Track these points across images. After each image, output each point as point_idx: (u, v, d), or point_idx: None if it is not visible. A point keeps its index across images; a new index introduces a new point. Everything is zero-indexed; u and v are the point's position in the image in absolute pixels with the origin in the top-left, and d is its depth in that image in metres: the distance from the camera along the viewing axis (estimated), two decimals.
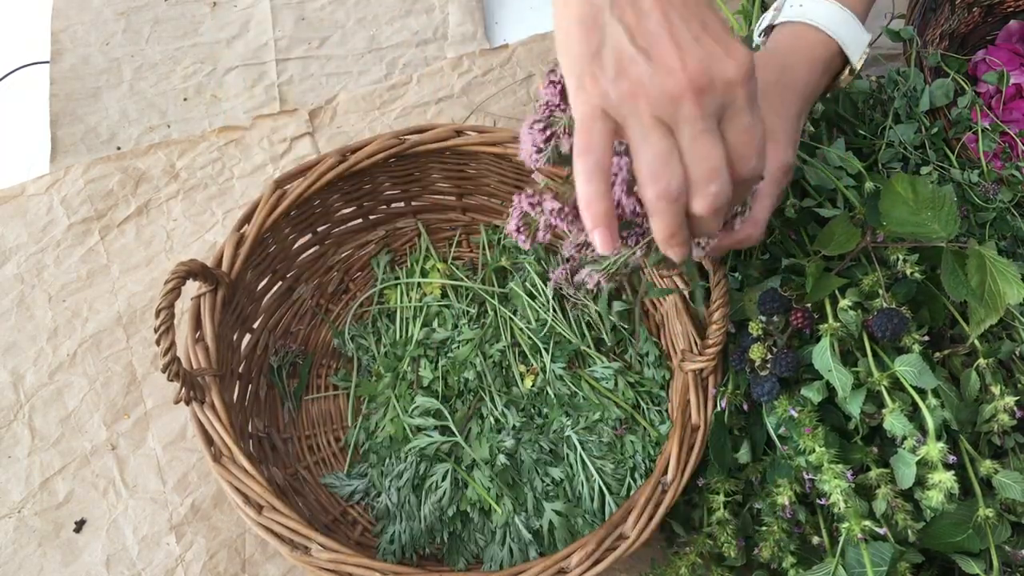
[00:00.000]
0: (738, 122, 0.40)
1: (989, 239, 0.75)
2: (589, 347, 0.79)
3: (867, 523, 0.57)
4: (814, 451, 0.58)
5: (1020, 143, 0.90)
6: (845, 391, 0.59)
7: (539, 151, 0.47)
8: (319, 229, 0.80)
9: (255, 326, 0.77)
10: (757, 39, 0.66)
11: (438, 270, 0.83)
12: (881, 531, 0.57)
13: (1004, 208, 0.77)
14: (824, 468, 0.58)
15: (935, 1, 0.94)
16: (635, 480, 0.74)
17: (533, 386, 0.77)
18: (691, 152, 0.39)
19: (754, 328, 0.64)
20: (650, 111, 0.39)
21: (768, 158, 0.51)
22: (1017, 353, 0.66)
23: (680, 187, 0.40)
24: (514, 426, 0.75)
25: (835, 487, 0.57)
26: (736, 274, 0.71)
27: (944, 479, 0.54)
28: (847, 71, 0.65)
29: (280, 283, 0.79)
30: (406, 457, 0.75)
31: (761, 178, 0.47)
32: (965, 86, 0.89)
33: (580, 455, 0.74)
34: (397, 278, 0.84)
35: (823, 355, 0.60)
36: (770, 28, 0.65)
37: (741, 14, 0.87)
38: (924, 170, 0.79)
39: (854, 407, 0.59)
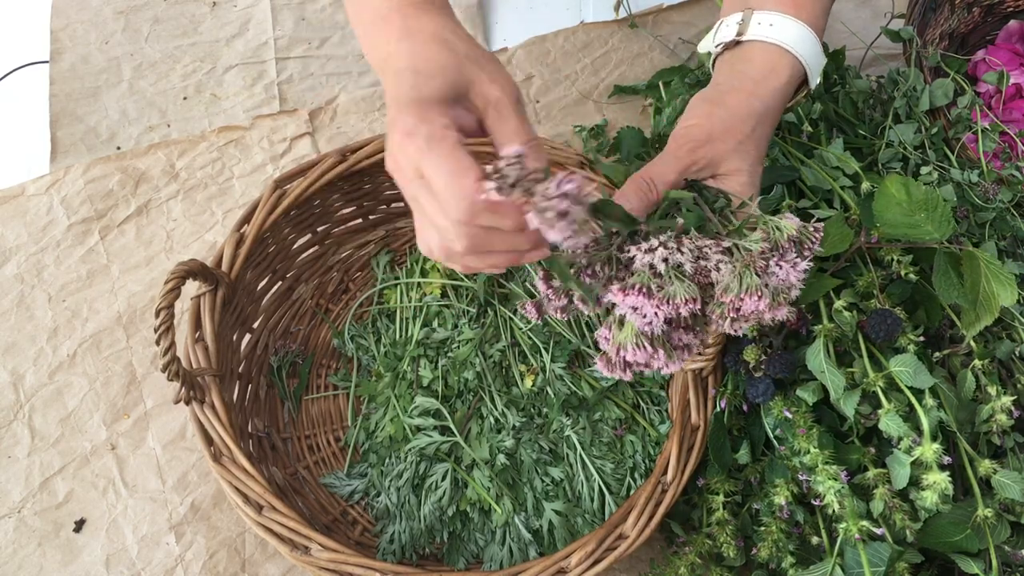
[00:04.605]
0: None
1: (989, 239, 0.75)
2: (589, 347, 0.79)
3: (864, 523, 0.57)
4: (809, 452, 0.58)
5: (1020, 143, 0.90)
6: (837, 392, 0.59)
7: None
8: (319, 229, 0.80)
9: (255, 326, 0.77)
10: (714, 49, 0.62)
11: (438, 270, 0.83)
12: (879, 531, 0.57)
13: (1004, 208, 0.77)
14: (818, 469, 0.58)
15: (935, 1, 0.94)
16: (635, 480, 0.74)
17: (533, 386, 0.77)
18: None
19: (749, 329, 0.63)
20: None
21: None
22: (1016, 353, 0.66)
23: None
24: (514, 426, 0.75)
25: (829, 488, 0.57)
26: None
27: (939, 480, 0.54)
28: (803, 93, 0.62)
29: (280, 283, 0.80)
30: (406, 457, 0.75)
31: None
32: (965, 86, 0.89)
33: (580, 455, 0.74)
34: (397, 278, 0.84)
35: (816, 356, 0.60)
36: (733, 43, 0.60)
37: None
38: (924, 170, 0.79)
39: (848, 408, 0.59)
